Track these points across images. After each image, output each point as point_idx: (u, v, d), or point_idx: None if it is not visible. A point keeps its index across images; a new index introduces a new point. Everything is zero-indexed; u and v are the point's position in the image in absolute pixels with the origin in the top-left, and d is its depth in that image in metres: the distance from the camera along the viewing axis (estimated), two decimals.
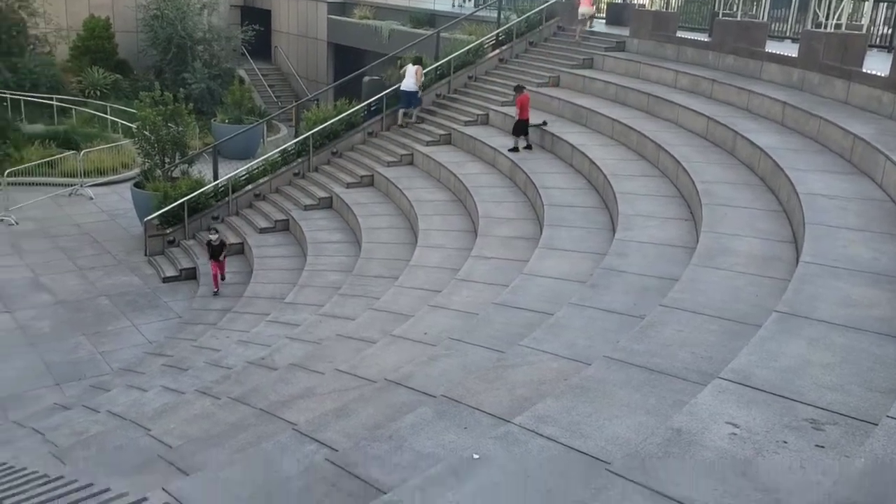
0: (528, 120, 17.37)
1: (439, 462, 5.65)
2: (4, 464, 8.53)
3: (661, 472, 4.74)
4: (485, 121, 20.06)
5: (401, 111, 21.01)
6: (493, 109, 20.05)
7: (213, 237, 16.37)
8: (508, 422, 6.10)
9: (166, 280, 17.40)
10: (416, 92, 20.66)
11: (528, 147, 17.38)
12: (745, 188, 11.94)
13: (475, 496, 4.98)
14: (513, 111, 17.93)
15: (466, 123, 19.96)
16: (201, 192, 18.96)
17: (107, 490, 6.58)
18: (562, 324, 8.44)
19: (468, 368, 8.00)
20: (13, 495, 7.11)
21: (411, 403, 7.29)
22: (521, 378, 7.21)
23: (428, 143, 19.76)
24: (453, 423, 6.46)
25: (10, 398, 12.28)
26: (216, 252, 16.30)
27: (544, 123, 17.75)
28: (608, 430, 5.74)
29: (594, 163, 14.86)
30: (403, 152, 19.73)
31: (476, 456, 5.51)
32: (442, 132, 20.04)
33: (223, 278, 16.62)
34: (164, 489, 6.18)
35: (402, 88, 20.59)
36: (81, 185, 23.16)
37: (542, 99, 19.31)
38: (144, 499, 6.10)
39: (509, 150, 17.29)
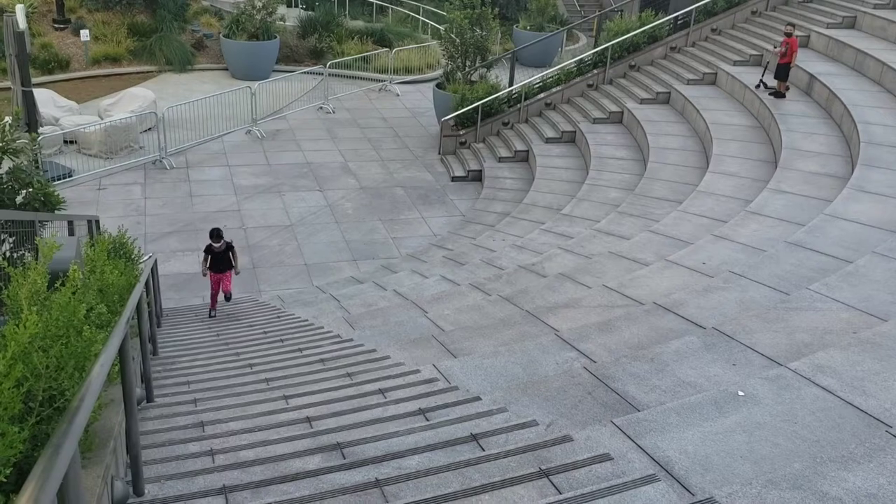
0: (790, 64, 15.67)
1: (701, 392, 5.54)
2: (306, 320, 9.77)
3: None
4: (804, 43, 18.21)
5: None
6: (815, 31, 18.12)
7: (217, 244, 10.72)
8: (782, 365, 5.77)
9: (455, 179, 18.33)
10: None
11: (773, 93, 15.81)
12: None
13: (733, 431, 4.83)
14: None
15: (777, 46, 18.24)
16: (496, 98, 19.50)
17: (387, 357, 7.30)
18: (861, 273, 7.68)
19: (746, 305, 7.62)
20: (312, 347, 8.15)
21: (679, 331, 7.14)
22: (805, 323, 6.74)
23: (735, 63, 18.44)
24: (721, 357, 6.25)
25: (316, 266, 13.92)
26: (220, 261, 10.83)
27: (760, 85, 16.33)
28: None
29: None
30: (706, 70, 18.62)
31: (741, 393, 5.31)
32: (752, 52, 18.56)
33: (227, 297, 11.10)
34: (434, 365, 6.73)
35: None
36: (390, 82, 24.87)
37: None
38: (418, 370, 6.69)
39: (769, 93, 16.07)
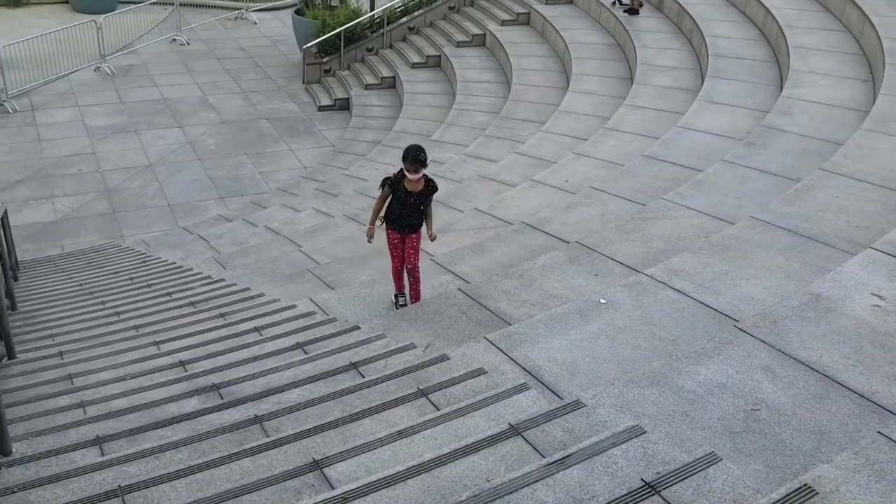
0: None
1: (566, 303, 5.80)
2: (174, 263, 9.47)
3: (793, 334, 4.66)
4: None
5: None
6: None
7: (415, 173, 6.02)
8: (640, 272, 6.12)
9: (322, 109, 17.93)
10: None
11: (627, 10, 16.25)
12: None
13: (597, 336, 5.12)
14: None
15: None
16: (357, 23, 19.05)
17: (261, 294, 7.22)
18: (710, 181, 8.16)
19: (606, 218, 7.97)
20: (182, 290, 7.94)
21: (545, 247, 7.41)
22: (660, 231, 7.13)
23: None
24: (584, 269, 6.55)
25: (180, 206, 13.42)
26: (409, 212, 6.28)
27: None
28: (743, 290, 5.65)
29: (770, 12, 13.68)
30: None
31: (603, 301, 5.61)
32: None
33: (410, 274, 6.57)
34: (311, 299, 6.72)
35: None
36: (247, 10, 23.78)
37: None
38: (294, 305, 6.66)
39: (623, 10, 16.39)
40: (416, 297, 6.49)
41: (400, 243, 6.37)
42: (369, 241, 6.40)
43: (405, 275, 6.49)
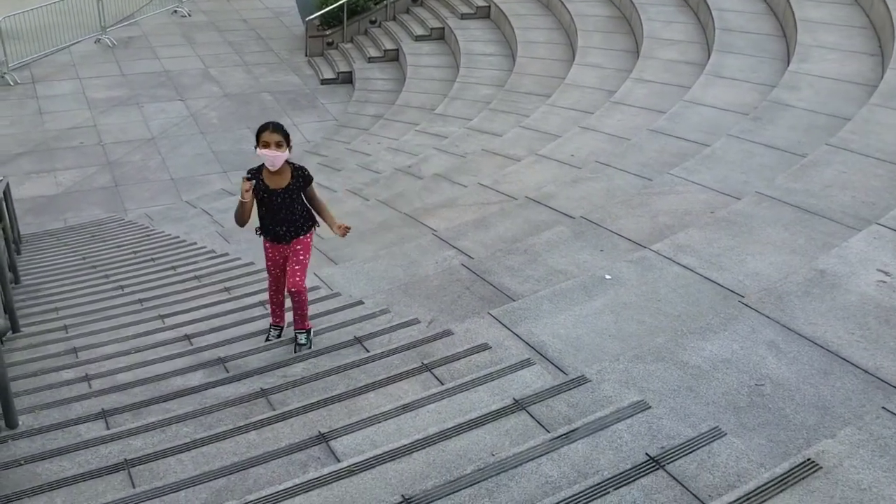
0: None
1: (571, 278, 5.79)
2: (178, 237, 9.47)
3: (798, 310, 4.65)
4: None
5: None
6: None
7: (273, 159, 4.79)
8: (646, 248, 6.10)
9: (324, 82, 17.83)
10: None
11: None
12: None
13: (601, 312, 5.11)
14: None
15: None
16: None
17: (265, 269, 7.21)
18: (717, 156, 8.11)
19: (612, 193, 7.93)
20: (184, 264, 7.94)
21: (550, 222, 7.38)
22: (666, 206, 7.09)
23: None
24: (589, 244, 6.53)
25: (183, 180, 13.40)
26: (282, 213, 5.03)
27: None
28: (748, 266, 5.63)
29: None
30: None
31: (608, 276, 5.60)
32: None
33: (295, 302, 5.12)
34: (315, 273, 6.71)
35: None
36: None
37: None
38: None
39: None
40: (300, 322, 5.07)
41: (277, 256, 5.02)
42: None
43: (286, 299, 5.13)
